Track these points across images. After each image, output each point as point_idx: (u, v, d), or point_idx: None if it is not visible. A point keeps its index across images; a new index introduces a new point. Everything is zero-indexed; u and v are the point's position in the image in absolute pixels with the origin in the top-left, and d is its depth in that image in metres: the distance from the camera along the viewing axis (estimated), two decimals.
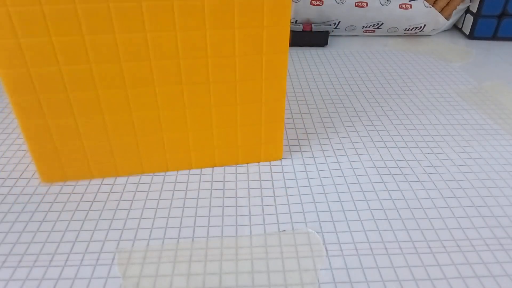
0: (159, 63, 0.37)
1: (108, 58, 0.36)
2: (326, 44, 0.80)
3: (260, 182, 0.44)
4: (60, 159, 0.41)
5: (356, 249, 0.36)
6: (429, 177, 0.44)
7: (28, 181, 0.43)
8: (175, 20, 0.36)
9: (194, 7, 0.35)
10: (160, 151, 0.43)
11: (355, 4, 0.78)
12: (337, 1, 0.77)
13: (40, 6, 0.33)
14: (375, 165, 0.46)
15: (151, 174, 0.44)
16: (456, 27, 0.90)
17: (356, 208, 0.40)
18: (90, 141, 0.41)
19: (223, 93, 0.40)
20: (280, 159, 0.46)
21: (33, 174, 0.44)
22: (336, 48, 0.79)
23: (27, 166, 0.46)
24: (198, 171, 0.45)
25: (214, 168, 0.45)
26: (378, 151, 0.49)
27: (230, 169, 0.45)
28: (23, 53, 0.35)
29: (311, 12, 0.78)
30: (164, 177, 0.44)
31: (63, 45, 0.35)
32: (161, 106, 0.40)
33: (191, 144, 0.43)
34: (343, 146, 0.49)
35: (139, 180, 0.44)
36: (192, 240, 0.37)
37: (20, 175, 0.44)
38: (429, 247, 0.36)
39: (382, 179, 0.44)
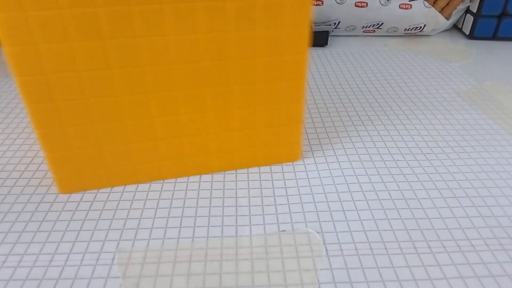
0: (180, 67, 0.37)
1: (128, 63, 0.36)
2: (326, 44, 0.80)
3: (260, 182, 0.44)
4: (77, 167, 0.40)
5: (356, 249, 0.36)
6: (429, 177, 0.44)
7: (28, 181, 0.43)
8: (196, 23, 0.35)
9: (215, 9, 0.35)
10: (179, 155, 0.42)
11: (355, 4, 0.78)
12: (337, 1, 0.77)
13: (59, 10, 0.32)
14: (375, 165, 0.46)
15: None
16: (456, 27, 0.91)
17: (356, 208, 0.40)
18: (109, 147, 0.40)
19: (242, 95, 0.40)
20: (298, 160, 0.46)
21: (33, 174, 0.44)
22: (336, 48, 0.79)
23: (27, 166, 0.46)
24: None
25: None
26: (378, 151, 0.49)
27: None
28: (41, 59, 0.34)
29: None
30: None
31: (82, 51, 0.34)
32: (182, 110, 0.39)
33: (210, 147, 0.42)
34: (343, 146, 0.49)
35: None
36: (192, 240, 0.37)
37: (20, 175, 0.44)
38: (429, 247, 0.36)
39: (382, 179, 0.44)
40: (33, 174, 0.44)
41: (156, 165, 0.42)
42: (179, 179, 0.44)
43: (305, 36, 0.38)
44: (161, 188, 0.42)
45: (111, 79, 0.36)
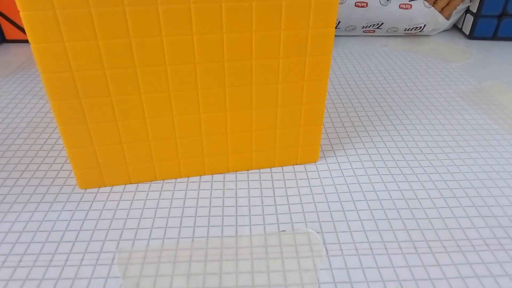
0: (204, 66, 0.37)
1: (153, 62, 0.36)
2: None
3: (260, 182, 0.44)
4: (98, 164, 0.40)
5: (356, 249, 0.36)
6: (429, 177, 0.44)
7: (28, 181, 0.43)
8: (223, 22, 0.35)
9: (241, 9, 0.35)
10: (198, 154, 0.42)
11: (355, 4, 0.78)
12: None
13: (88, 9, 0.33)
14: (375, 165, 0.46)
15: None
16: (456, 27, 0.91)
17: (356, 208, 0.40)
18: (130, 144, 0.40)
19: (264, 96, 0.40)
20: (316, 162, 0.46)
21: (33, 174, 0.44)
22: (336, 48, 0.79)
23: (27, 166, 0.46)
24: None
25: None
26: (378, 151, 0.49)
27: None
28: (68, 56, 0.34)
29: None
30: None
31: (108, 49, 0.35)
32: (203, 109, 0.39)
33: (229, 146, 0.42)
34: (343, 147, 0.49)
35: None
36: (192, 240, 0.37)
37: (20, 175, 0.44)
38: (429, 247, 0.36)
39: (382, 179, 0.44)
40: (33, 174, 0.44)
41: (175, 163, 0.42)
42: (179, 180, 0.44)
43: (330, 37, 0.38)
44: (161, 188, 0.42)
45: (135, 77, 0.36)
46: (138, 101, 0.38)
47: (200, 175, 0.44)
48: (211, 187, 0.43)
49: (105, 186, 0.42)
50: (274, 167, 0.45)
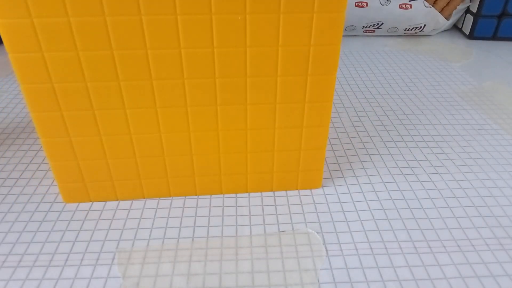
0: (193, 82, 0.35)
1: (137, 75, 0.34)
2: None
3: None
4: (82, 178, 0.39)
5: (356, 249, 0.36)
6: (429, 177, 0.44)
7: (28, 181, 0.43)
8: (213, 36, 0.33)
9: (233, 22, 0.33)
10: (188, 174, 0.40)
11: (355, 4, 0.78)
12: None
13: (67, 18, 0.31)
14: (375, 165, 0.46)
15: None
16: (456, 27, 0.90)
17: (356, 208, 0.40)
18: (116, 160, 0.38)
19: (260, 116, 0.37)
20: (319, 188, 0.43)
21: (33, 174, 0.44)
22: None
23: (27, 166, 0.46)
24: None
25: None
26: (378, 151, 0.49)
27: None
28: (47, 67, 0.33)
29: None
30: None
31: (90, 60, 0.33)
32: (192, 127, 0.37)
33: (222, 168, 0.40)
34: (343, 147, 0.49)
35: None
36: (192, 240, 0.37)
37: (20, 175, 0.44)
38: (429, 247, 0.36)
39: (382, 179, 0.44)
40: (33, 174, 0.44)
41: (164, 182, 0.40)
42: None
43: (335, 55, 0.35)
44: None
45: (119, 91, 0.35)
46: (122, 116, 0.36)
47: (190, 195, 0.42)
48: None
49: (90, 202, 0.41)
50: (271, 191, 0.42)
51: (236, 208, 0.40)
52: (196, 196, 0.42)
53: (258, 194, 0.42)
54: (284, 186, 0.42)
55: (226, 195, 0.42)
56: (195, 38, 0.33)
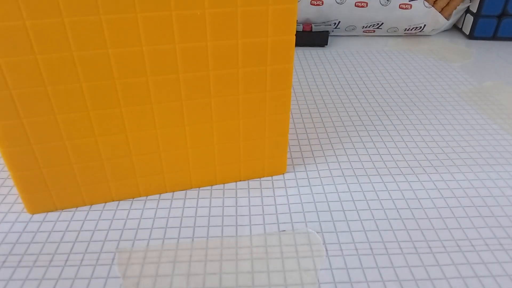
0: (157, 79, 0.35)
1: (100, 75, 0.33)
2: (326, 44, 0.80)
3: (260, 182, 0.44)
4: (46, 187, 0.38)
5: (356, 249, 0.36)
6: (429, 177, 0.44)
7: None
8: (174, 32, 0.33)
9: (194, 18, 0.33)
10: (157, 172, 0.40)
11: (355, 4, 0.78)
12: (337, 1, 0.77)
13: (22, 21, 0.30)
14: (375, 166, 0.46)
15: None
16: (456, 27, 0.91)
17: (356, 208, 0.40)
18: (81, 165, 0.37)
19: (225, 108, 0.38)
20: (284, 173, 0.45)
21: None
22: (336, 48, 0.79)
23: None
24: None
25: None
26: (378, 151, 0.49)
27: None
28: (3, 72, 0.31)
29: (311, 12, 0.78)
30: None
31: (48, 63, 0.32)
32: (159, 125, 0.37)
33: (191, 162, 0.40)
34: (343, 146, 0.49)
35: None
36: (192, 240, 0.37)
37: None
38: (429, 247, 0.36)
39: (382, 179, 0.44)
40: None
41: (132, 182, 0.40)
42: None
43: (291, 46, 0.36)
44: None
45: (81, 93, 0.33)
46: (85, 119, 0.35)
47: (162, 193, 0.42)
48: (211, 187, 0.43)
49: (56, 210, 0.39)
50: (240, 181, 0.43)
51: (236, 208, 0.40)
52: (196, 196, 0.42)
53: (258, 193, 0.42)
54: (252, 174, 0.44)
55: (226, 195, 0.42)
56: (156, 35, 0.33)
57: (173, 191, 0.42)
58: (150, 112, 0.36)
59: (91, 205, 0.40)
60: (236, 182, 0.43)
